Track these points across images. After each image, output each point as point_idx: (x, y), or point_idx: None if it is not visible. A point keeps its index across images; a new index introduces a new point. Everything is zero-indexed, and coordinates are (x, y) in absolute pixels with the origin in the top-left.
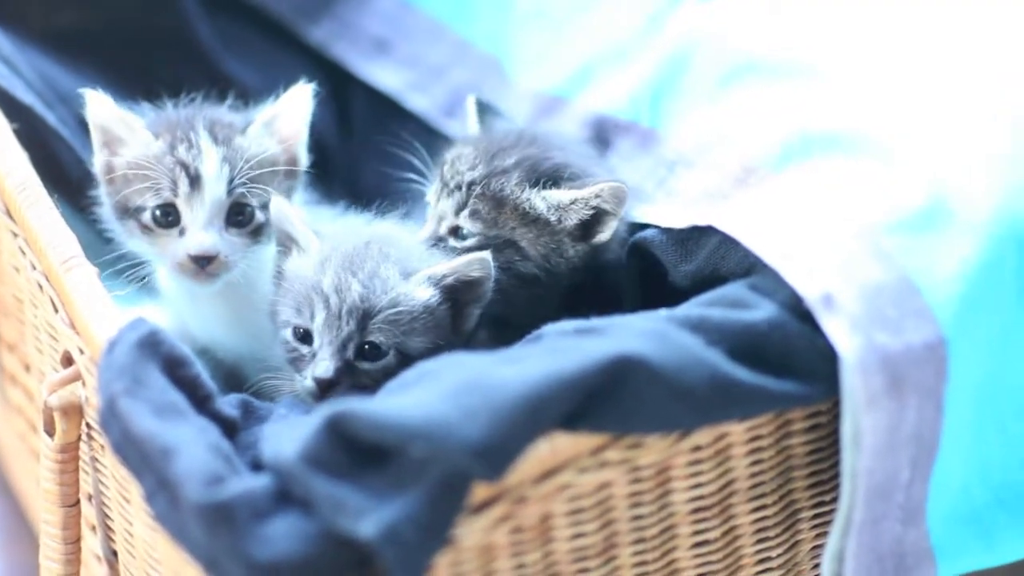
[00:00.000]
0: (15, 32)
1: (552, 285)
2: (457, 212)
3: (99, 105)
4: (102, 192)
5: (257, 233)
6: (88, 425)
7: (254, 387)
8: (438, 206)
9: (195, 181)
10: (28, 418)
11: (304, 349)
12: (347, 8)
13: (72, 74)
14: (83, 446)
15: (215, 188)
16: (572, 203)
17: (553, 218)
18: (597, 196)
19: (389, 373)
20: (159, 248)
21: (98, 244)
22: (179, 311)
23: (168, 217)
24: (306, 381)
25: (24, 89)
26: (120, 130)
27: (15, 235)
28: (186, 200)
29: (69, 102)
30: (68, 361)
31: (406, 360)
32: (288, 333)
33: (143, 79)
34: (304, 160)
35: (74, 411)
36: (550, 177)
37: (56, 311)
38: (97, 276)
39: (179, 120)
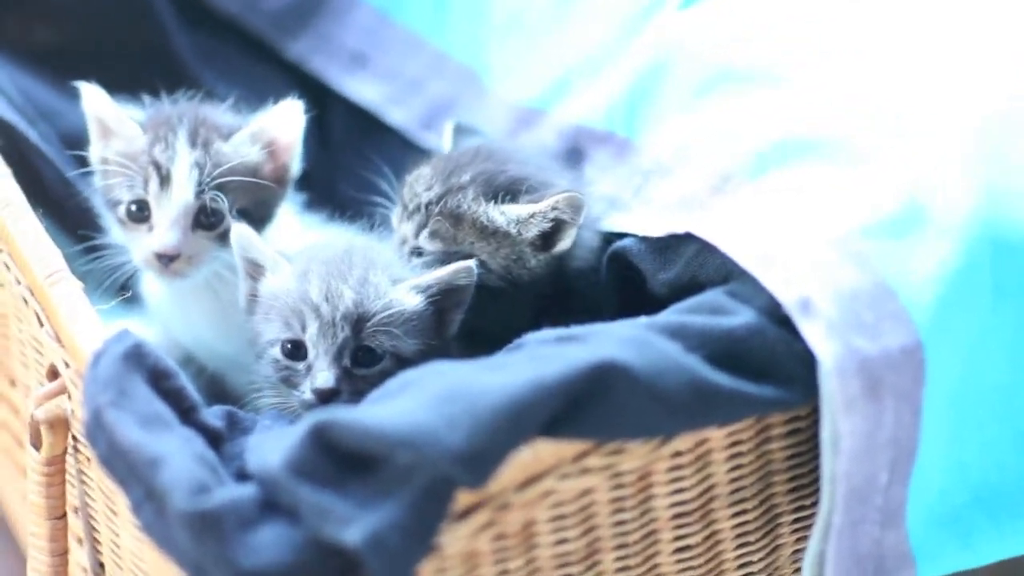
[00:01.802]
0: None
1: (518, 295)
2: (417, 234)
3: (93, 97)
4: (96, 180)
5: (225, 237)
6: (74, 438)
7: (247, 405)
8: (400, 229)
9: (165, 181)
10: (14, 433)
11: (298, 365)
12: (325, 22)
13: (53, 90)
14: (69, 459)
15: (183, 190)
16: (530, 216)
17: (513, 231)
18: (554, 208)
19: (386, 377)
20: (130, 242)
21: (82, 259)
22: (163, 315)
23: (142, 212)
24: (304, 395)
25: (6, 106)
26: (112, 123)
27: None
28: (156, 198)
29: (50, 118)
30: (54, 374)
31: (402, 364)
32: (277, 351)
33: (123, 94)
34: (295, 170)
35: (60, 424)
36: (507, 190)
37: (41, 325)
38: (81, 290)
39: (166, 119)
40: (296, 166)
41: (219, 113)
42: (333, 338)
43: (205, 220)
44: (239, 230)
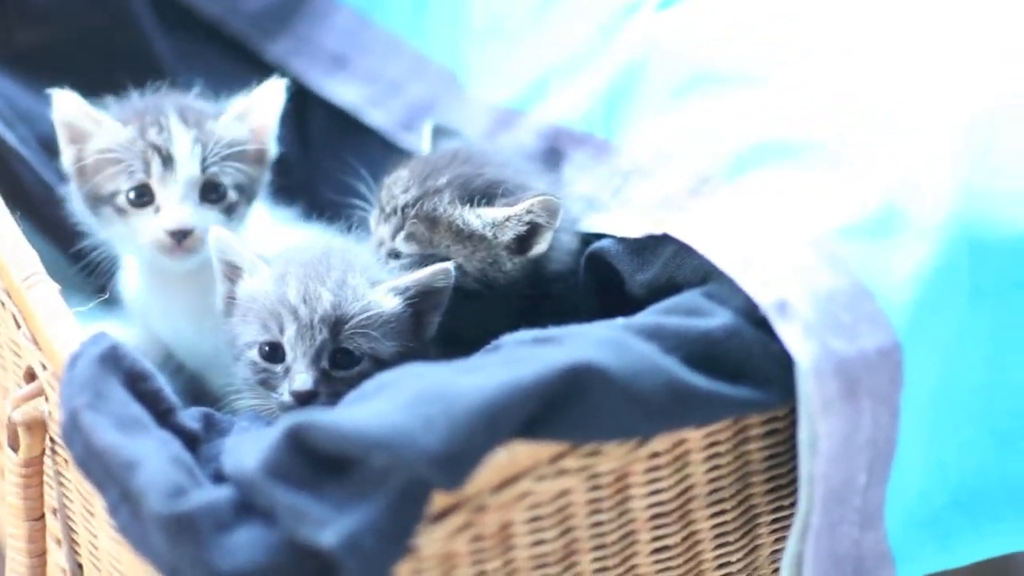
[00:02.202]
0: None
1: (495, 298)
2: (394, 236)
3: (66, 102)
4: (72, 187)
5: (230, 211)
6: (52, 440)
7: (224, 406)
8: (377, 231)
9: (168, 161)
10: None
11: (276, 367)
12: (305, 24)
13: (32, 93)
14: (47, 460)
15: (188, 166)
16: (505, 219)
17: (488, 234)
18: (529, 211)
19: (364, 379)
20: (134, 229)
21: (59, 261)
22: (144, 311)
23: (142, 198)
24: (283, 397)
25: None
26: (86, 124)
27: None
28: (160, 180)
29: (30, 121)
30: (31, 377)
31: (380, 365)
32: (254, 353)
33: (103, 96)
34: (273, 151)
35: (38, 426)
36: (483, 194)
37: (19, 327)
38: (59, 292)
39: (147, 107)
40: (274, 147)
41: (194, 99)
42: (311, 340)
43: (210, 195)
44: (216, 232)
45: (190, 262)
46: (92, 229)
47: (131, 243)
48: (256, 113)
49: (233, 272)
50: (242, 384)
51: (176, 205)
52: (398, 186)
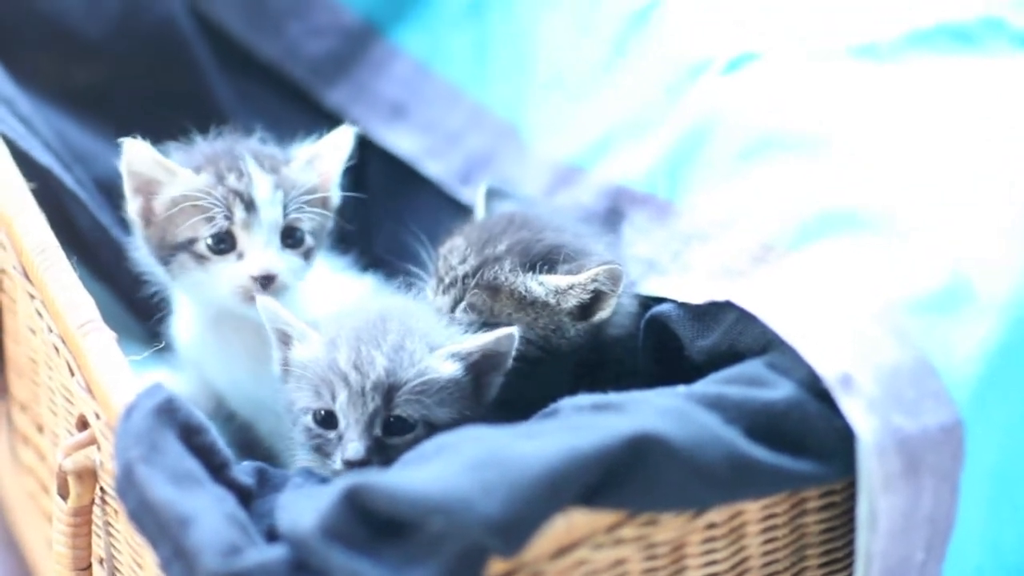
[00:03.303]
0: (31, 90)
1: (556, 364)
2: (453, 307)
3: (136, 151)
4: (138, 236)
5: (308, 255)
6: (102, 489)
7: (276, 456)
8: (435, 302)
9: (250, 206)
10: (39, 478)
11: (329, 434)
12: (364, 72)
13: (88, 132)
14: (96, 510)
15: (270, 211)
16: (570, 287)
17: (552, 301)
18: (595, 280)
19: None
20: (214, 276)
21: (113, 305)
22: (199, 358)
23: (221, 244)
24: (335, 465)
25: (42, 150)
26: (158, 173)
27: (32, 297)
28: (242, 225)
29: (85, 161)
30: (83, 425)
31: (434, 431)
32: (309, 420)
33: (159, 137)
34: (337, 198)
35: (88, 475)
36: (544, 260)
37: (72, 374)
38: (115, 341)
39: (217, 153)
40: (337, 194)
41: (260, 145)
42: (363, 408)
43: (288, 240)
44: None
45: (231, 321)
46: (158, 277)
47: (207, 290)
48: (324, 159)
49: (285, 338)
50: (300, 447)
51: (260, 250)
52: (455, 256)
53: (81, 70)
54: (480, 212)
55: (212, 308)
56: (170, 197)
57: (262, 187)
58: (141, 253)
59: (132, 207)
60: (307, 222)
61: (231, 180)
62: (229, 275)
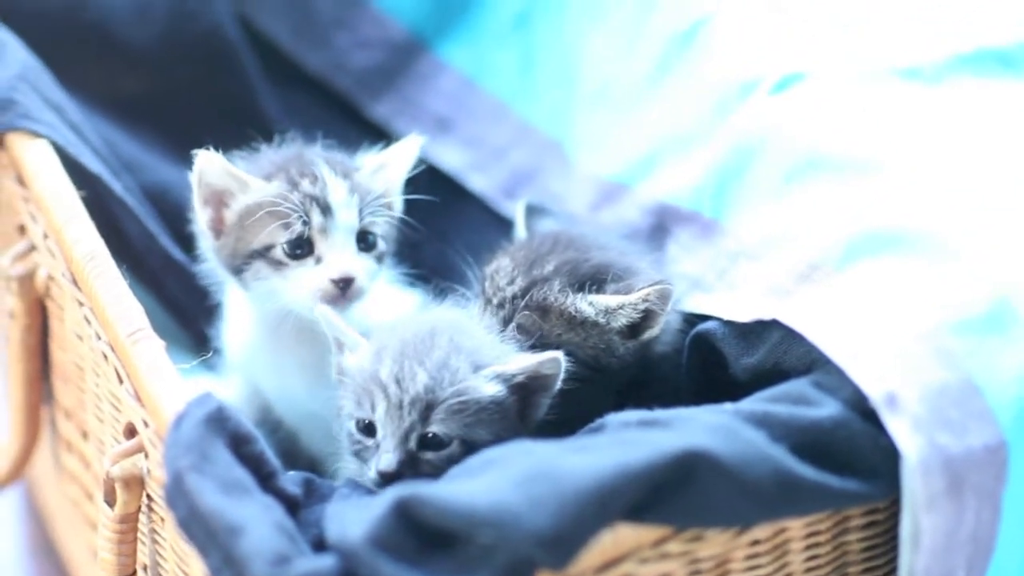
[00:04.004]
0: (80, 98)
1: (604, 382)
2: (503, 328)
3: (209, 164)
4: (207, 247)
5: (381, 259)
6: (149, 497)
7: (321, 466)
8: (483, 322)
9: (326, 211)
10: (83, 485)
11: (368, 441)
12: (410, 85)
13: (137, 141)
14: (142, 517)
15: (347, 216)
16: (620, 307)
17: (602, 320)
18: (645, 300)
19: (453, 462)
20: (292, 281)
21: (162, 316)
22: (251, 366)
23: (298, 250)
24: (370, 473)
25: (92, 157)
26: (229, 184)
27: (80, 304)
28: (320, 230)
29: (133, 170)
30: (131, 432)
31: (470, 450)
32: (352, 426)
33: (206, 146)
34: (399, 207)
35: (135, 483)
36: (592, 279)
37: (121, 382)
38: (164, 349)
39: (287, 160)
40: (400, 203)
41: (331, 152)
42: (400, 421)
43: (364, 244)
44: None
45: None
46: (239, 285)
47: (284, 296)
48: (390, 168)
49: (340, 346)
50: (344, 451)
51: (339, 254)
52: (502, 276)
53: (129, 79)
54: (520, 229)
55: (276, 316)
56: (244, 206)
57: (338, 191)
58: (213, 263)
59: (202, 218)
60: (380, 226)
61: (306, 185)
62: (308, 280)
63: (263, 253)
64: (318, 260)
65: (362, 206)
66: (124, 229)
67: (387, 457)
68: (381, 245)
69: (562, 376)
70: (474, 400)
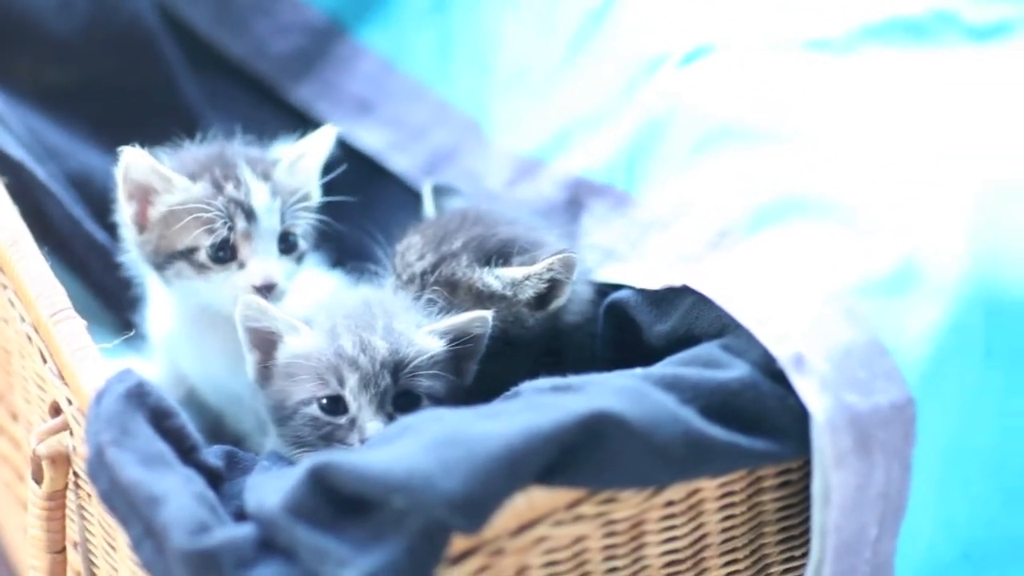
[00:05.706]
0: (5, 88)
1: (516, 353)
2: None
3: (135, 160)
4: (130, 241)
5: (300, 259)
6: (75, 474)
7: (245, 445)
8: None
9: (250, 216)
10: (15, 467)
11: (340, 419)
12: (330, 69)
13: (61, 130)
14: (70, 494)
15: (269, 220)
16: (525, 278)
17: (509, 293)
18: (550, 269)
19: None
20: (214, 284)
21: (84, 295)
22: (174, 349)
23: (220, 253)
24: (355, 447)
25: (15, 144)
26: (154, 182)
27: (4, 287)
28: (243, 235)
29: (59, 158)
30: (56, 411)
31: (438, 405)
32: (314, 409)
33: (130, 134)
34: (317, 197)
35: (62, 460)
36: (499, 253)
37: (45, 362)
38: (85, 328)
39: (211, 160)
40: (317, 194)
41: (251, 149)
42: (375, 387)
43: (285, 245)
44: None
45: (201, 315)
46: (162, 281)
47: (205, 297)
48: (307, 159)
49: (262, 340)
50: (294, 443)
51: (261, 260)
52: (412, 253)
53: (53, 70)
54: (428, 209)
55: (198, 307)
56: (168, 205)
57: (260, 196)
58: (134, 258)
59: (126, 212)
60: (300, 227)
61: (230, 189)
62: (231, 284)
63: (186, 255)
64: (241, 265)
65: (284, 209)
66: (48, 214)
67: (372, 424)
68: (302, 245)
69: (487, 337)
70: (428, 356)
